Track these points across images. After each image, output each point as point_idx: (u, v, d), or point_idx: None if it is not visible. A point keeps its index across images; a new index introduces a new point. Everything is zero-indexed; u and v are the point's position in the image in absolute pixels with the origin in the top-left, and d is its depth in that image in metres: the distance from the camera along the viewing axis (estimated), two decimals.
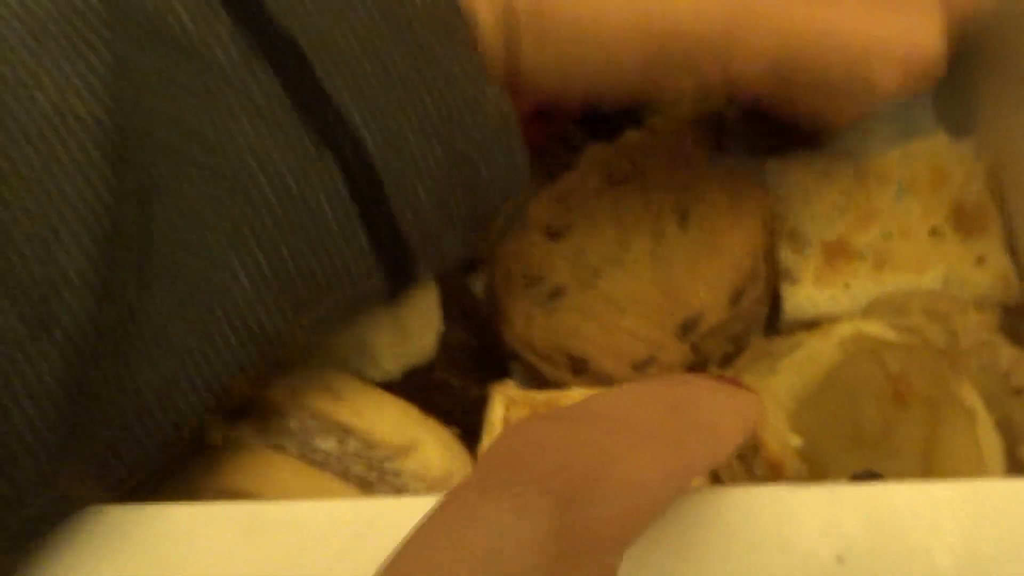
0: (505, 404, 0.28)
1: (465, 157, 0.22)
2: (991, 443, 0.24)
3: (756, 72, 0.25)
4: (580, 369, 0.30)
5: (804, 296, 0.31)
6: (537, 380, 0.31)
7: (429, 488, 0.25)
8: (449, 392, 0.32)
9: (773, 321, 0.32)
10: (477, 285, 0.36)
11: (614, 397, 0.15)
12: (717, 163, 0.32)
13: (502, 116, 0.22)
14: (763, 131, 0.36)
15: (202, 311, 0.20)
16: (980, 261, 0.30)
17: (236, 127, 0.19)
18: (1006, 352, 0.26)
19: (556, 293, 0.31)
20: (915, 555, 0.16)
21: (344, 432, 0.25)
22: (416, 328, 0.30)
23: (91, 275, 0.18)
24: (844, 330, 0.27)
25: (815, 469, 0.24)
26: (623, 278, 0.30)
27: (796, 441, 0.24)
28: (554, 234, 0.33)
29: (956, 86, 0.35)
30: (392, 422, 0.26)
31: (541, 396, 0.29)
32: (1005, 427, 0.25)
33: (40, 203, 0.18)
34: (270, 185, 0.20)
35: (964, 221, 0.31)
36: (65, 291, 0.18)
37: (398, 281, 0.24)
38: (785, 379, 0.26)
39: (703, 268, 0.29)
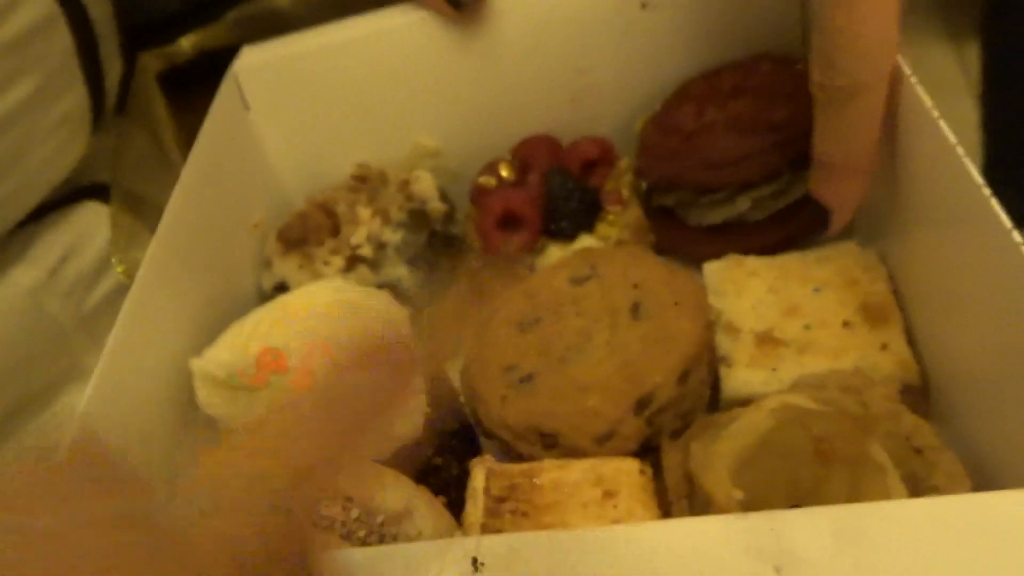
0: (485, 475, 0.32)
1: None
2: (900, 494, 0.29)
3: None
4: (551, 444, 0.34)
5: (739, 378, 0.36)
6: (511, 456, 0.35)
7: None
8: (432, 470, 0.35)
9: (714, 400, 0.37)
10: (452, 373, 0.40)
11: None
12: (663, 266, 0.38)
13: None
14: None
15: None
16: (884, 347, 0.35)
17: None
18: (907, 419, 0.31)
19: (527, 378, 0.36)
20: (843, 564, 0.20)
21: (348, 500, 0.29)
22: (405, 413, 0.34)
23: None
24: (772, 402, 0.32)
25: None
26: (586, 363, 0.35)
27: (739, 495, 0.28)
28: (524, 328, 0.38)
29: (865, 205, 0.42)
30: (390, 492, 0.29)
31: (517, 468, 0.33)
32: (910, 480, 0.29)
33: None
34: None
35: (871, 315, 0.36)
36: None
37: None
38: (727, 445, 0.31)
39: (654, 354, 0.34)
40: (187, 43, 0.55)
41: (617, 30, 0.47)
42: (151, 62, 0.55)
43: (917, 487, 0.29)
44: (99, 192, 0.51)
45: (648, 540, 0.20)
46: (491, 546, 0.21)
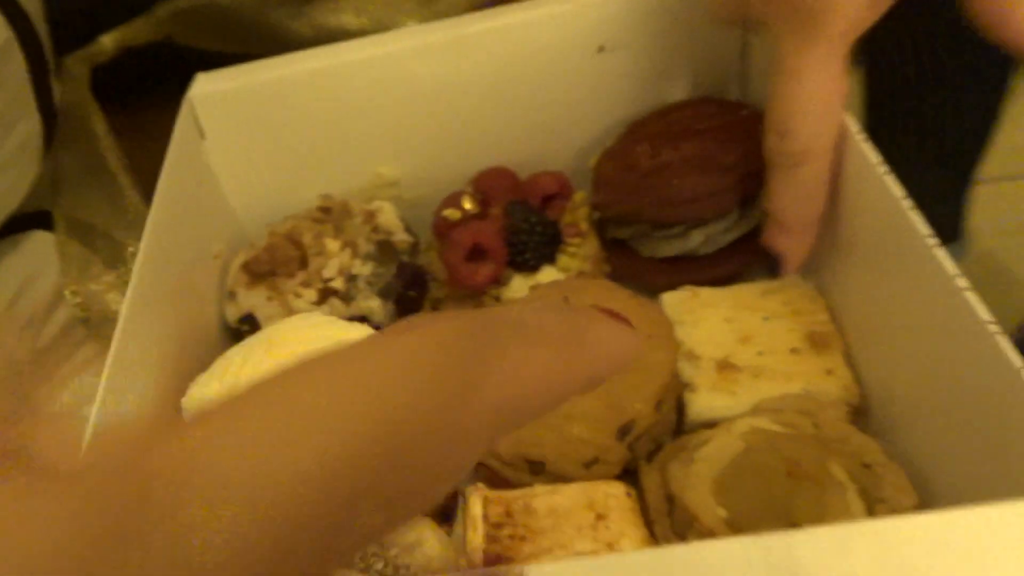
0: (483, 502, 0.34)
1: None
2: (858, 508, 0.32)
3: None
4: (538, 471, 0.36)
5: (703, 403, 0.39)
6: (499, 483, 0.37)
7: None
8: None
9: (680, 423, 0.40)
10: None
11: (520, 305, 0.17)
12: (633, 298, 0.40)
13: None
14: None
15: None
16: (829, 373, 0.39)
17: None
18: (856, 438, 0.35)
19: None
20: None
21: None
22: None
23: None
24: (741, 426, 0.35)
25: (740, 533, 0.31)
26: None
27: (723, 513, 0.31)
28: None
29: None
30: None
31: (511, 494, 0.35)
32: (863, 494, 0.33)
33: None
34: None
35: (816, 343, 0.40)
36: None
37: None
38: (704, 466, 0.34)
39: (633, 385, 0.37)
40: (108, 40, 0.53)
41: (574, 71, 0.49)
42: (75, 66, 0.53)
43: (869, 500, 0.33)
44: (43, 220, 0.50)
45: (682, 561, 0.22)
46: (540, 573, 0.23)
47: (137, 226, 0.48)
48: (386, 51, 0.48)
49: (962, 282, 0.30)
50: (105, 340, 0.46)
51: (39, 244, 0.46)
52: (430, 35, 0.48)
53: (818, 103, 0.35)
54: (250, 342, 0.39)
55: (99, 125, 0.53)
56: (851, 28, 0.34)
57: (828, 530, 0.23)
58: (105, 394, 0.33)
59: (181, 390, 0.40)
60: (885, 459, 0.35)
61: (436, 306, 0.49)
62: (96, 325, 0.46)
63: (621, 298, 0.40)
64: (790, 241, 0.39)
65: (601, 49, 0.48)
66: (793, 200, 0.38)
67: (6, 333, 0.43)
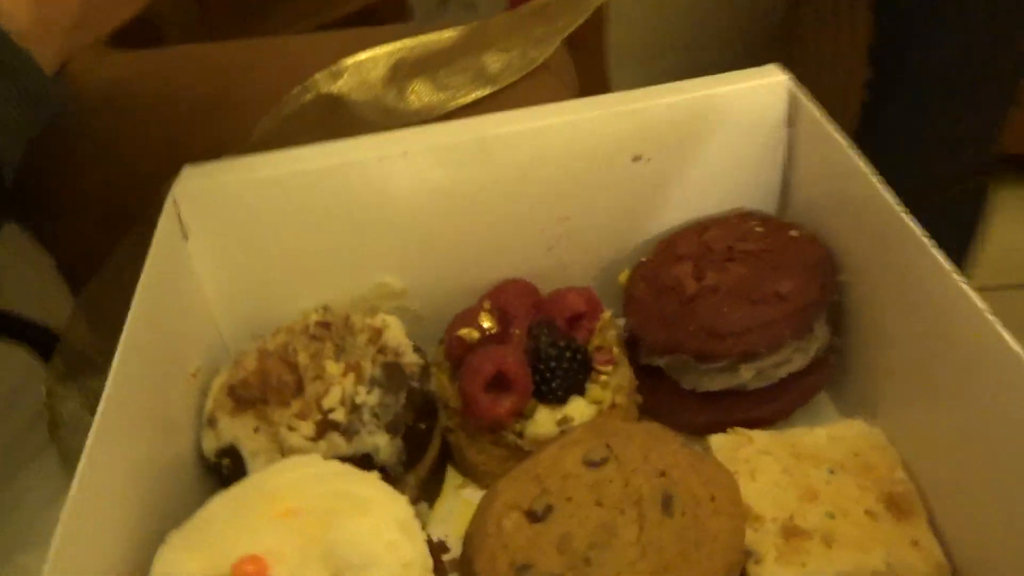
0: None
1: None
2: None
3: None
4: None
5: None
6: None
7: None
8: None
9: None
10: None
11: None
12: (688, 449, 0.35)
13: None
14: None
15: None
16: (915, 544, 0.34)
17: None
18: None
19: None
20: None
21: None
22: None
23: None
24: None
25: None
26: (616, 565, 0.31)
27: None
28: (536, 517, 0.34)
29: (854, 378, 0.41)
30: None
31: None
32: None
33: None
34: None
35: (895, 506, 0.35)
36: None
37: None
38: None
39: (696, 559, 0.31)
40: None
41: (605, 180, 0.45)
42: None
43: None
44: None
45: None
46: None
47: None
48: (402, 150, 0.43)
49: None
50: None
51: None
52: (452, 136, 0.44)
53: None
54: (237, 493, 0.32)
55: None
56: None
57: None
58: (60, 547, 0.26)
59: (148, 541, 0.33)
60: None
61: (446, 436, 0.43)
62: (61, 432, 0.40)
63: (671, 448, 0.35)
64: None
65: (636, 158, 0.44)
66: None
67: None
